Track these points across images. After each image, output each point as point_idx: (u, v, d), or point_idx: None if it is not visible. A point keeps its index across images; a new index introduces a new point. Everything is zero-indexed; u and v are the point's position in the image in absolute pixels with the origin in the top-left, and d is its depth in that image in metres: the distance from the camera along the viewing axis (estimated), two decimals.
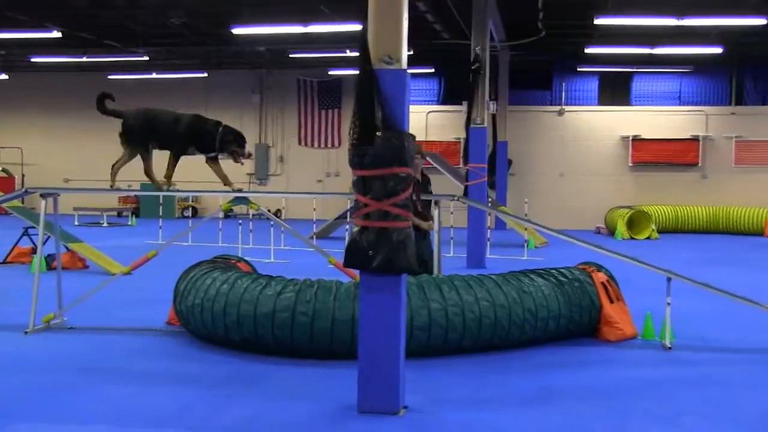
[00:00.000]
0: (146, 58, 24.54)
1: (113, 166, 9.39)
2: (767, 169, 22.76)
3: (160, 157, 9.17)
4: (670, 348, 7.80)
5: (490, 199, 15.79)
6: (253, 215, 18.27)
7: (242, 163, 9.46)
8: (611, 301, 8.22)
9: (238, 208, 20.64)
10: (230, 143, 8.98)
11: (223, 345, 7.46)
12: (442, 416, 5.61)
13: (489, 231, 15.48)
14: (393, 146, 5.51)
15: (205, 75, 26.60)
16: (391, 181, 5.50)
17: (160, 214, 18.83)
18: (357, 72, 5.65)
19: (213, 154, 9.21)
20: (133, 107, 9.45)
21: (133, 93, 27.96)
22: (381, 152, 5.50)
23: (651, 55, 20.74)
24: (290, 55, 23.34)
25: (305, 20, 18.20)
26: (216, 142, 8.94)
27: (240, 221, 16.18)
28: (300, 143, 26.76)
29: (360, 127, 5.57)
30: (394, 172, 5.50)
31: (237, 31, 19.53)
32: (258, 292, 7.16)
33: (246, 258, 9.57)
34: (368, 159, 5.51)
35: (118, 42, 22.44)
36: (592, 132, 23.41)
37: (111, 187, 9.47)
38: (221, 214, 15.32)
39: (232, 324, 7.19)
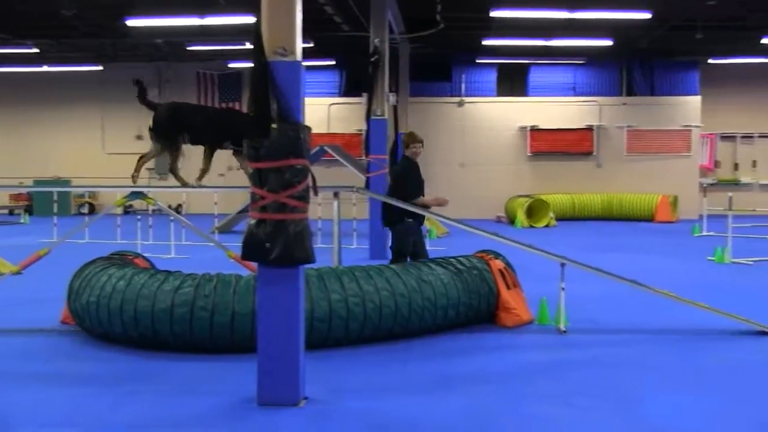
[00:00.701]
0: (36, 50, 23.81)
1: (140, 159, 9.15)
2: (657, 157, 23.57)
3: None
4: (564, 331, 8.02)
5: None
6: (153, 210, 17.98)
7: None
8: (508, 288, 8.41)
9: (138, 204, 20.28)
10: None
11: (121, 342, 7.34)
12: (343, 405, 5.66)
13: None
14: (289, 138, 5.52)
15: (101, 68, 25.99)
16: (288, 173, 5.50)
17: (55, 211, 18.34)
18: (252, 64, 5.64)
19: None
20: (164, 101, 9.25)
21: (25, 85, 27.19)
22: (277, 144, 5.50)
23: (546, 47, 21.22)
24: (188, 48, 23.02)
25: (201, 12, 17.98)
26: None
27: (139, 217, 15.89)
28: None
29: (255, 119, 5.56)
30: (290, 163, 5.51)
31: (131, 23, 19.15)
32: (156, 287, 7.07)
33: (146, 254, 9.43)
34: (264, 151, 5.50)
35: (6, 33, 21.71)
36: (491, 122, 23.81)
37: (133, 177, 9.19)
38: (119, 210, 15.02)
39: (129, 321, 7.09)
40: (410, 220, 9.24)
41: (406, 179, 9.44)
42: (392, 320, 7.46)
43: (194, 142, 9.13)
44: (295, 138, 5.54)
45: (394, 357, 7.12)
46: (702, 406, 5.73)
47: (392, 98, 16.25)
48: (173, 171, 9.20)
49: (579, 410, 5.63)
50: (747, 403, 5.84)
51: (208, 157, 9.19)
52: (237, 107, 25.86)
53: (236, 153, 9.27)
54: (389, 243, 9.68)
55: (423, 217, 9.36)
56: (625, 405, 5.75)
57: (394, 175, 9.70)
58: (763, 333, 7.94)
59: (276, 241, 5.47)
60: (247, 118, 8.99)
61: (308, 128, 5.69)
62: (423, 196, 9.49)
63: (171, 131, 8.96)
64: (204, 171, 9.29)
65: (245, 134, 8.89)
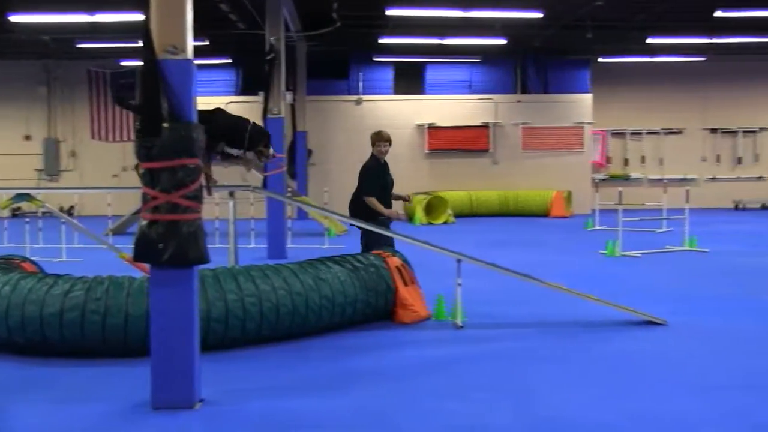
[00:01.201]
0: None
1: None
2: (551, 153, 24.10)
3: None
4: (461, 327, 8.13)
5: (290, 189, 15.86)
6: (43, 213, 17.43)
7: (264, 162, 9.18)
8: (406, 285, 8.48)
9: (27, 206, 19.63)
10: (258, 142, 8.74)
11: (6, 349, 7.09)
12: (239, 407, 5.60)
13: (290, 221, 15.53)
14: (181, 137, 5.44)
15: None
16: (180, 173, 5.42)
17: None
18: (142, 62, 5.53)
19: (240, 151, 8.77)
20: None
21: None
22: (168, 143, 5.41)
23: (442, 45, 21.42)
24: (78, 46, 22.39)
25: (90, 8, 17.50)
26: (246, 140, 8.67)
27: (28, 220, 15.41)
28: (93, 137, 25.71)
29: (146, 118, 5.46)
30: (183, 163, 5.43)
31: (15, 18, 18.51)
32: (44, 292, 6.87)
33: (35, 258, 9.14)
34: (156, 150, 5.40)
35: None
36: (389, 120, 23.89)
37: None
38: (5, 213, 14.51)
39: (15, 326, 6.86)
40: (381, 217, 9.26)
41: (366, 177, 9.43)
42: (290, 319, 7.44)
43: None
44: (187, 137, 5.46)
45: (292, 356, 7.10)
46: (594, 396, 5.89)
47: (289, 97, 16.19)
48: None
49: (475, 404, 5.71)
50: (636, 391, 6.03)
51: (208, 161, 8.98)
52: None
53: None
54: (362, 240, 9.48)
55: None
56: (520, 397, 5.87)
57: (362, 169, 9.59)
58: (651, 323, 8.21)
59: (169, 241, 5.39)
60: (242, 122, 8.83)
61: (201, 127, 5.61)
62: (390, 196, 9.53)
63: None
64: (210, 177, 8.99)
65: (240, 137, 8.77)
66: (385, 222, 9.34)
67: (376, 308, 8.26)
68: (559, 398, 5.84)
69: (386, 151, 9.61)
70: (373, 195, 9.31)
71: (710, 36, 20.60)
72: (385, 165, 9.64)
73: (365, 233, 9.31)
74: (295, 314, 7.46)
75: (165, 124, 5.41)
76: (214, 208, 12.99)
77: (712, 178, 25.47)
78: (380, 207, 9.27)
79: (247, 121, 8.90)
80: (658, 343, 7.55)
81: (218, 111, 9.07)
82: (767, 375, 6.45)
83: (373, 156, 9.61)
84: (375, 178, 9.46)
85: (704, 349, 7.36)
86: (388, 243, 9.20)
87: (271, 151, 8.99)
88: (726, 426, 5.23)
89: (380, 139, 9.58)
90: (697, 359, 6.99)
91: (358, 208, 9.40)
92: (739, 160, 25.61)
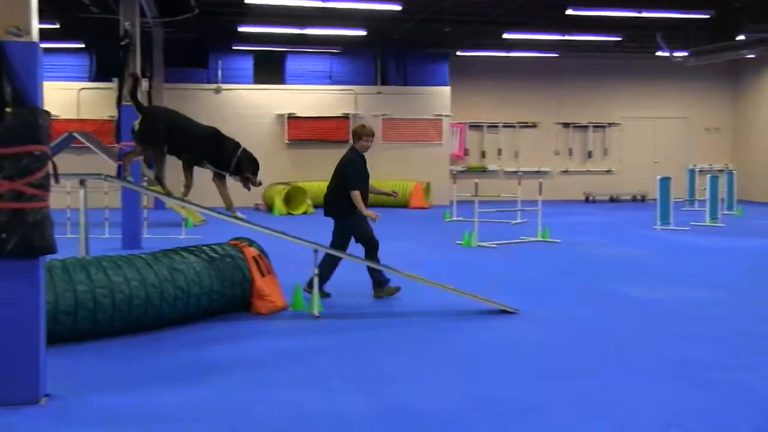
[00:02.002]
0: None
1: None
2: (411, 145, 24.41)
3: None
4: (318, 317, 8.16)
5: (146, 178, 15.45)
6: None
7: (249, 190, 9.04)
8: (263, 275, 8.43)
9: None
10: (246, 168, 8.61)
11: None
12: (86, 401, 5.44)
13: (146, 211, 15.19)
14: (26, 123, 5.23)
15: None
16: (25, 160, 5.22)
17: None
18: None
19: (224, 173, 8.62)
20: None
21: None
22: (13, 129, 5.20)
23: (302, 35, 21.34)
24: None
25: None
26: (232, 164, 8.54)
27: None
28: None
29: None
30: (28, 150, 5.23)
31: None
32: None
33: None
34: None
35: None
36: (249, 110, 23.67)
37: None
38: None
39: None
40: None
41: (352, 170, 9.18)
42: (143, 311, 7.28)
43: (173, 153, 8.64)
44: (33, 123, 5.26)
45: (145, 348, 6.95)
46: (446, 384, 6.02)
47: (144, 84, 15.77)
48: (158, 178, 8.68)
49: (330, 393, 5.74)
50: (487, 378, 6.21)
51: (189, 171, 8.75)
52: None
53: (216, 177, 8.92)
54: (336, 235, 9.38)
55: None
56: (374, 386, 5.94)
57: (340, 164, 9.33)
58: (503, 311, 8.45)
59: (13, 231, 5.18)
60: (231, 145, 8.61)
61: (48, 113, 5.41)
62: (366, 190, 9.29)
63: (158, 138, 8.43)
64: (188, 187, 8.82)
65: (226, 159, 8.42)
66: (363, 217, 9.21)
67: (232, 299, 8.18)
68: (413, 386, 5.94)
69: (369, 146, 9.42)
70: (359, 189, 9.11)
71: (562, 33, 21.31)
72: (364, 158, 9.44)
73: (357, 226, 9.19)
74: (149, 305, 7.31)
75: (8, 109, 5.19)
76: (65, 197, 12.56)
77: (564, 171, 26.39)
78: (362, 205, 9.12)
79: (238, 146, 8.80)
80: (509, 331, 7.78)
81: (212, 130, 8.96)
82: (609, 360, 6.75)
83: (354, 149, 9.39)
84: (361, 171, 9.26)
85: (552, 336, 7.65)
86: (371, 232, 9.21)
87: (258, 179, 8.85)
88: (570, 408, 5.44)
89: (366, 133, 9.36)
90: (545, 346, 7.25)
91: (339, 202, 9.21)
92: (590, 154, 26.63)
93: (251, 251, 8.49)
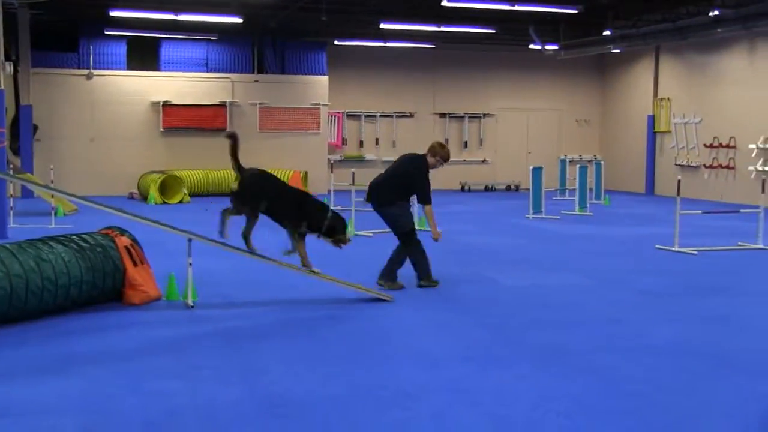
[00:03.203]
0: None
1: (223, 212, 8.49)
2: (289, 134, 24.26)
3: None
4: (192, 306, 8.04)
5: (11, 166, 14.89)
6: None
7: (341, 248, 8.88)
8: (135, 265, 8.24)
9: None
10: (339, 231, 8.62)
11: None
12: None
13: (12, 199, 14.62)
14: None
15: None
16: None
17: None
18: None
19: (314, 234, 8.57)
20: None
21: None
22: None
23: (176, 21, 20.87)
24: None
25: None
26: (324, 226, 8.47)
27: None
28: None
29: None
30: None
31: None
32: None
33: None
34: None
35: None
36: (122, 97, 23.02)
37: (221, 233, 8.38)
38: None
39: None
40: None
41: (427, 182, 9.36)
42: (7, 303, 7.01)
43: (269, 215, 8.63)
44: None
45: (10, 341, 6.70)
46: (324, 371, 6.04)
47: (8, 68, 15.14)
48: (246, 236, 8.54)
49: (203, 383, 5.68)
50: (365, 365, 6.26)
51: (293, 237, 8.69)
52: None
53: (300, 234, 8.67)
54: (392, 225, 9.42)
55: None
56: (249, 375, 5.90)
57: (416, 168, 9.39)
58: (379, 300, 8.52)
59: None
60: (321, 206, 8.63)
61: None
62: None
63: (253, 202, 8.44)
64: (296, 250, 8.72)
65: (318, 222, 8.43)
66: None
67: (103, 289, 7.98)
68: (290, 375, 5.93)
69: (436, 168, 9.54)
70: (431, 203, 9.37)
71: (439, 24, 21.57)
72: None
73: (401, 217, 9.33)
74: (14, 297, 7.05)
75: None
76: None
77: None
78: (434, 220, 9.38)
79: (327, 208, 8.78)
80: (385, 319, 7.85)
81: (303, 195, 9.04)
82: (484, 346, 6.91)
83: (425, 161, 9.45)
84: (429, 185, 9.44)
85: (428, 323, 7.76)
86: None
87: (349, 236, 8.99)
88: (446, 394, 5.55)
89: (445, 156, 9.52)
90: (421, 333, 7.36)
91: (390, 195, 9.34)
92: (465, 144, 27.08)
93: (123, 240, 8.29)
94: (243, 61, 24.28)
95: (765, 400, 5.47)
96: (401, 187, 9.41)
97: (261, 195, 8.47)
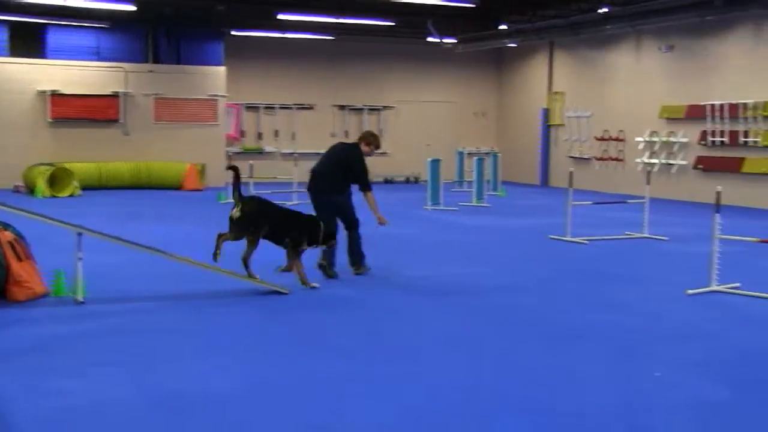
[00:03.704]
0: None
1: (219, 236, 8.73)
2: (185, 125, 23.76)
3: None
4: (82, 302, 7.80)
5: None
6: None
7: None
8: (20, 260, 7.94)
9: None
10: (330, 236, 9.18)
11: None
12: None
13: None
14: None
15: None
16: None
17: None
18: None
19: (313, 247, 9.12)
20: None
21: None
22: None
23: (64, 7, 20.17)
24: None
25: None
26: (320, 237, 9.01)
27: None
28: None
29: None
30: None
31: None
32: None
33: None
34: None
35: None
36: (5, 85, 22.08)
37: (215, 256, 8.57)
38: None
39: None
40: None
41: (360, 167, 9.67)
42: None
43: (270, 238, 8.97)
44: None
45: None
46: (219, 366, 5.95)
47: None
48: (245, 260, 8.73)
49: (94, 380, 5.54)
50: (259, 358, 6.19)
51: (290, 255, 9.09)
52: None
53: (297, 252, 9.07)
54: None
55: None
56: (142, 371, 5.78)
57: (354, 156, 9.72)
58: (276, 292, 8.44)
59: None
60: (311, 220, 9.10)
61: None
62: None
63: (255, 229, 8.73)
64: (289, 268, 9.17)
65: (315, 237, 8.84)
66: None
67: None
68: (183, 370, 5.83)
69: (369, 156, 9.86)
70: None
71: (338, 16, 21.51)
72: None
73: (344, 205, 9.62)
74: None
75: None
76: None
77: None
78: (377, 206, 9.75)
79: (319, 222, 9.20)
80: (281, 312, 7.80)
81: (299, 216, 9.36)
82: (377, 338, 6.95)
83: (360, 149, 9.78)
84: (368, 173, 9.81)
85: (324, 315, 7.74)
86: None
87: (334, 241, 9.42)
88: (336, 386, 5.53)
89: (377, 145, 9.92)
90: (315, 326, 7.33)
91: (335, 185, 9.63)
92: None
93: (6, 235, 7.96)
94: (136, 50, 23.68)
95: (641, 376, 5.64)
96: (345, 175, 9.66)
97: (262, 221, 8.78)
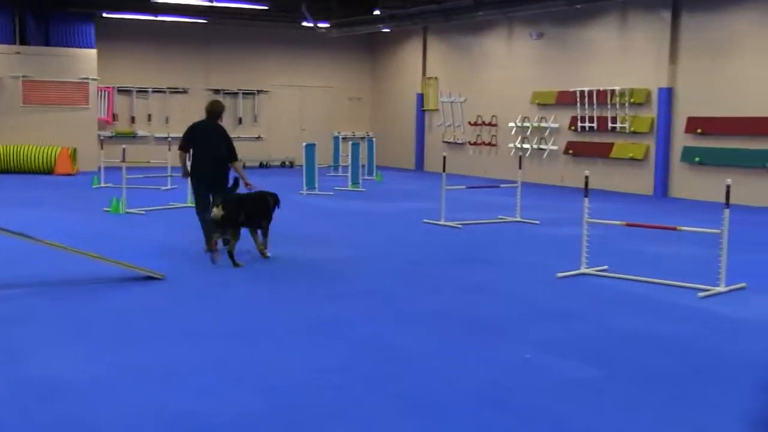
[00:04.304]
0: None
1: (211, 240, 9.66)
2: (56, 109, 23.12)
3: None
4: None
5: None
6: None
7: None
8: None
9: None
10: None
11: None
12: None
13: None
14: None
15: None
16: None
17: None
18: None
19: None
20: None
21: None
22: None
23: None
24: None
25: None
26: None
27: None
28: None
29: None
30: None
31: None
32: None
33: None
34: None
35: None
36: None
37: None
38: None
39: None
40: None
41: (230, 141, 10.36)
42: None
43: (246, 225, 9.83)
44: None
45: None
46: (88, 352, 5.99)
47: None
48: (231, 252, 9.41)
49: None
50: (131, 343, 6.24)
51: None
52: None
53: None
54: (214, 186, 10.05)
55: None
56: (5, 360, 5.75)
57: (224, 133, 10.35)
58: (150, 278, 8.45)
59: None
60: (270, 195, 10.08)
61: None
62: None
63: (238, 220, 9.50)
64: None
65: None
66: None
67: None
68: (51, 357, 5.82)
69: None
70: None
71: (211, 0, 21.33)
72: None
73: (226, 181, 10.06)
74: None
75: None
76: None
77: None
78: (244, 174, 10.36)
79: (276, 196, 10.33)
80: (154, 297, 7.84)
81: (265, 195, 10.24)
82: (256, 322, 7.08)
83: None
84: None
85: (199, 300, 7.83)
86: None
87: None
88: (212, 370, 5.66)
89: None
90: (191, 310, 7.42)
91: (224, 164, 10.24)
92: (240, 121, 26.96)
93: None
94: (3, 31, 22.85)
95: (511, 358, 5.98)
96: (228, 154, 10.28)
97: (241, 213, 9.55)
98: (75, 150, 22.44)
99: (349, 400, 5.12)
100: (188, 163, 10.52)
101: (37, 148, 21.92)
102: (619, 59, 19.55)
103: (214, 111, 10.53)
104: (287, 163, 26.68)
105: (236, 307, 7.58)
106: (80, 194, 17.15)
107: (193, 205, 10.84)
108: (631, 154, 19.15)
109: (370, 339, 6.51)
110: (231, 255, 9.35)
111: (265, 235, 9.98)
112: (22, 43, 23.02)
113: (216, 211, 9.28)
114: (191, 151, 10.39)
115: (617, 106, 19.39)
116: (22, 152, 21.74)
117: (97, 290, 8.01)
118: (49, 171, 21.65)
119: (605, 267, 9.40)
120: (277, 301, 7.83)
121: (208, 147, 10.17)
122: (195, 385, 5.29)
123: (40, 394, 5.07)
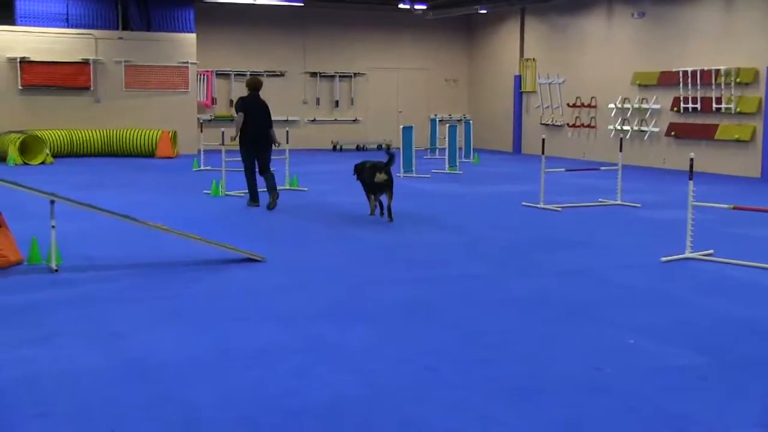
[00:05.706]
0: None
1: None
2: (156, 93, 23.63)
3: None
4: (56, 270, 7.83)
5: None
6: None
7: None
8: None
9: None
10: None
11: None
12: None
13: None
14: None
15: None
16: None
17: None
18: None
19: None
20: None
21: None
22: None
23: None
24: None
25: None
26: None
27: None
28: None
29: None
30: None
31: None
32: None
33: None
34: None
35: None
36: None
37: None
38: None
39: None
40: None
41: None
42: None
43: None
44: None
45: None
46: (186, 333, 6.02)
47: None
48: (389, 208, 11.41)
49: (64, 349, 5.56)
50: (228, 326, 6.25)
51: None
52: None
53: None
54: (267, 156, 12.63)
55: None
56: (112, 339, 5.82)
57: (266, 106, 12.62)
58: (251, 260, 8.49)
59: None
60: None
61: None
62: None
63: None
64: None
65: None
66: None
67: None
68: (152, 338, 5.87)
69: None
70: None
71: None
72: None
73: (269, 155, 12.67)
74: None
75: None
76: None
77: (312, 120, 26.67)
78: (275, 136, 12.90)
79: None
80: (254, 279, 7.85)
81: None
82: (349, 303, 7.03)
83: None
84: None
85: (296, 281, 7.81)
86: None
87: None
88: (307, 352, 5.63)
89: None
90: (288, 292, 7.39)
91: (269, 133, 12.61)
92: (337, 104, 27.07)
93: None
94: (106, 17, 23.41)
95: (611, 343, 5.78)
96: (270, 124, 12.66)
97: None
98: (175, 133, 22.88)
99: (442, 383, 5.02)
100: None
101: (138, 131, 22.43)
102: (724, 38, 18.84)
103: (256, 86, 12.69)
104: (384, 145, 26.65)
105: (332, 289, 7.53)
106: (181, 177, 17.45)
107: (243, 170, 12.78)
108: (736, 136, 18.45)
109: (466, 322, 6.39)
110: (389, 210, 11.28)
111: (390, 198, 11.33)
112: (125, 28, 23.55)
113: (380, 176, 11.08)
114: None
115: (722, 86, 18.69)
116: (124, 136, 22.29)
117: (198, 271, 8.08)
118: (150, 154, 22.14)
119: (711, 251, 9.04)
120: (374, 283, 7.76)
121: (257, 117, 12.36)
122: (289, 367, 5.26)
123: (142, 373, 5.11)
